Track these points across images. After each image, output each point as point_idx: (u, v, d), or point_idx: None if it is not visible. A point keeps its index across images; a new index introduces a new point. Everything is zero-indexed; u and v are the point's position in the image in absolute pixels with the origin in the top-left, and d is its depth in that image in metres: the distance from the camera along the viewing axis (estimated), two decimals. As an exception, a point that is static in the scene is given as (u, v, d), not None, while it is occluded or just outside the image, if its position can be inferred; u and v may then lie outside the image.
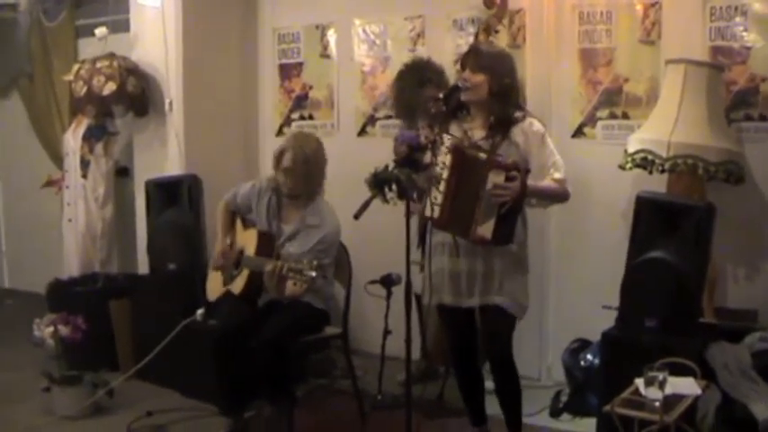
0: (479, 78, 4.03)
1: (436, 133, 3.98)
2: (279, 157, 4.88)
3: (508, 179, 3.79)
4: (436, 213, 3.96)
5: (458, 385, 4.46)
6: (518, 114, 4.07)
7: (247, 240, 4.91)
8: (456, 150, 3.90)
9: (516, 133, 4.03)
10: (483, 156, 3.87)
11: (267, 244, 4.82)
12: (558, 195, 4.14)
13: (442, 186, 3.92)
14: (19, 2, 7.43)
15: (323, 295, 4.84)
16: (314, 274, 4.34)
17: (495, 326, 4.12)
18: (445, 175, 3.91)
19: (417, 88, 5.28)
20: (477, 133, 4.08)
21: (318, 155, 4.91)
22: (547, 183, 4.03)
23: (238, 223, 5.06)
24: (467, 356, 4.35)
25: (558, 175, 4.04)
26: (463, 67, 4.12)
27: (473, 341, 4.28)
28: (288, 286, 4.55)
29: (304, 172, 4.84)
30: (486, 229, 3.85)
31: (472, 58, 4.10)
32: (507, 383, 4.23)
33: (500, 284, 4.05)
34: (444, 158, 3.92)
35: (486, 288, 4.05)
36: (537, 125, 4.08)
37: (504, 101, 4.04)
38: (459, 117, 4.15)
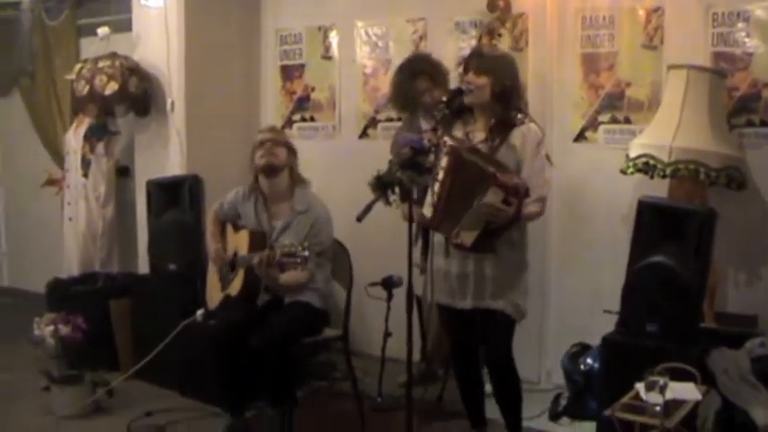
0: (482, 81, 4.04)
1: (439, 136, 3.99)
2: (252, 151, 4.99)
3: (505, 201, 3.79)
4: (429, 213, 4.01)
5: (458, 387, 4.47)
6: (519, 117, 4.08)
7: (240, 241, 4.93)
8: (453, 153, 3.91)
9: (515, 136, 4.04)
10: (491, 169, 3.86)
11: (260, 240, 4.84)
12: (536, 218, 4.14)
13: (437, 187, 3.94)
14: (21, 0, 7.42)
15: (322, 294, 4.86)
16: (307, 253, 4.37)
17: (492, 329, 4.13)
18: (441, 176, 3.92)
19: (410, 80, 5.31)
20: (478, 135, 4.09)
21: (284, 132, 5.26)
22: (531, 208, 4.00)
23: (229, 228, 5.08)
24: (466, 357, 4.35)
25: (541, 193, 4.04)
26: (466, 71, 4.12)
27: (472, 342, 4.29)
28: (288, 274, 4.60)
29: (274, 138, 4.96)
30: (467, 237, 3.88)
31: (475, 61, 4.11)
32: (506, 387, 4.24)
33: (494, 288, 4.05)
34: (443, 160, 3.94)
35: (479, 291, 4.07)
36: (535, 130, 4.08)
37: (505, 103, 4.06)
38: (463, 119, 4.15)
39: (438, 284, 4.15)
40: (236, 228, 5.04)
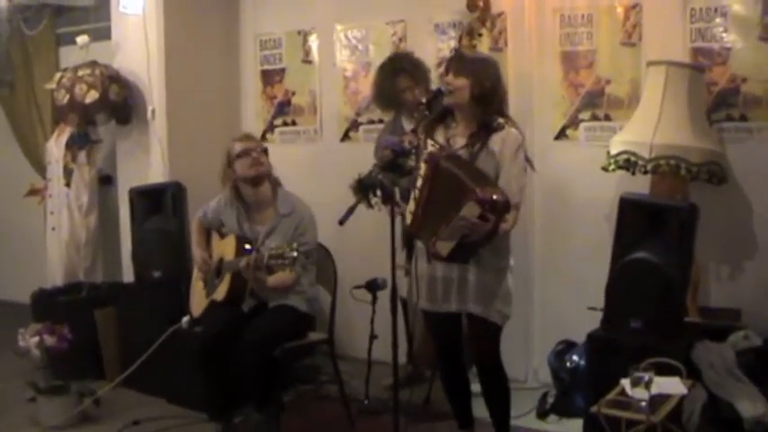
0: (461, 82, 4.02)
1: (419, 138, 3.99)
2: (228, 155, 4.96)
3: (482, 217, 3.77)
4: (408, 219, 4.01)
5: (444, 388, 4.46)
6: (500, 121, 4.05)
7: (226, 248, 4.93)
8: (432, 161, 3.91)
9: (495, 141, 3.99)
10: (470, 184, 3.77)
11: (245, 245, 4.84)
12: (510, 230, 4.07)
13: (416, 194, 3.94)
14: (-1, 10, 7.41)
15: (307, 297, 4.86)
16: (295, 254, 4.37)
17: (478, 332, 4.12)
18: (419, 183, 3.92)
19: (391, 78, 5.35)
20: (459, 141, 4.05)
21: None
22: (506, 223, 3.93)
23: (215, 235, 5.08)
24: (452, 359, 4.35)
25: (516, 200, 3.94)
26: (446, 72, 4.12)
27: (458, 345, 4.28)
28: (276, 277, 4.61)
29: (258, 147, 4.96)
30: (443, 247, 3.87)
31: (455, 63, 4.11)
32: (495, 387, 4.23)
33: (477, 294, 4.03)
34: (422, 167, 3.94)
35: (463, 295, 4.06)
36: (515, 135, 4.02)
37: (485, 105, 4.01)
38: (446, 123, 4.14)
39: (422, 289, 4.14)
40: (222, 235, 5.03)
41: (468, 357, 4.35)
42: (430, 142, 3.98)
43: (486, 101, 4.01)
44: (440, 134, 4.10)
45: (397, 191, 4.09)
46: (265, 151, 5.01)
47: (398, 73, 5.34)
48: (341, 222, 3.79)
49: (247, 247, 4.79)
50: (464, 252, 3.89)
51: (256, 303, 4.85)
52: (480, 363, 4.25)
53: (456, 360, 4.34)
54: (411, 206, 3.99)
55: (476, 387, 4.34)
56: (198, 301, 5.09)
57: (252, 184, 4.91)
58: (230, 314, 4.82)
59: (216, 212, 5.05)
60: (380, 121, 5.94)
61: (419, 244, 4.15)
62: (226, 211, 5.00)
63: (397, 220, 4.02)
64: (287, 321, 4.77)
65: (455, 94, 4.02)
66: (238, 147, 4.93)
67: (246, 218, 4.95)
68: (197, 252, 5.07)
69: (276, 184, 5.00)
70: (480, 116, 4.02)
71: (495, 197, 3.75)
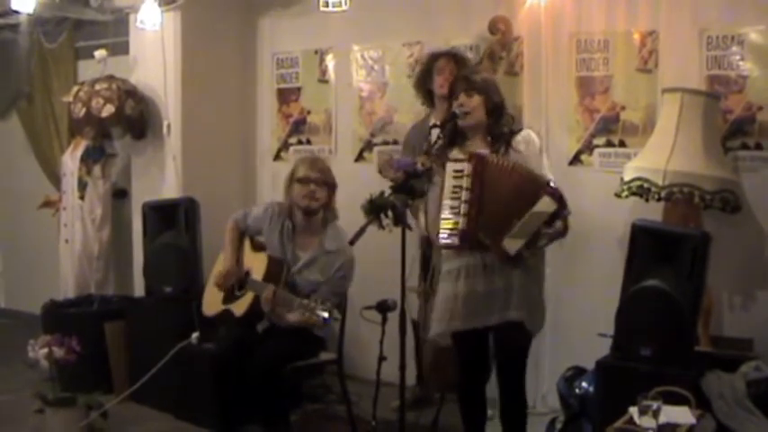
0: (475, 101, 4.06)
1: (433, 161, 3.99)
2: (291, 173, 4.90)
3: (557, 212, 3.82)
4: (462, 224, 3.91)
5: (461, 412, 4.40)
6: (515, 127, 4.13)
7: (256, 263, 4.90)
8: (478, 159, 3.92)
9: (518, 141, 4.08)
10: (541, 177, 3.92)
11: (277, 270, 4.80)
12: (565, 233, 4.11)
13: (464, 196, 3.90)
14: (19, 23, 7.45)
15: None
16: (326, 315, 4.35)
17: (513, 342, 4.10)
18: (466, 183, 3.90)
19: (433, 59, 5.34)
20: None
21: (329, 168, 4.96)
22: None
23: (247, 243, 5.05)
24: (476, 380, 4.32)
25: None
26: (455, 96, 4.12)
27: (484, 365, 4.27)
28: (296, 315, 4.56)
29: (319, 179, 4.84)
30: (512, 245, 3.86)
31: (463, 84, 4.13)
32: (515, 404, 4.21)
33: (519, 300, 4.01)
34: (461, 166, 3.93)
35: (506, 304, 4.00)
36: (535, 137, 4.15)
37: (498, 118, 4.09)
38: (457, 144, 4.15)
39: (455, 311, 4.05)
40: (255, 245, 5.01)
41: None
42: (449, 163, 3.98)
43: (499, 114, 4.08)
44: (455, 154, 4.10)
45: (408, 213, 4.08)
46: (328, 184, 4.91)
47: (443, 54, 5.33)
48: (351, 242, 3.80)
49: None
50: (529, 251, 3.90)
51: (271, 325, 4.81)
52: (507, 379, 4.20)
53: (479, 381, 4.32)
54: (461, 209, 3.91)
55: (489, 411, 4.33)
56: (212, 300, 5.05)
57: (304, 212, 4.89)
58: (244, 334, 4.80)
59: (259, 221, 5.00)
60: (395, 143, 5.94)
61: (447, 266, 4.10)
62: (271, 224, 4.95)
63: (410, 241, 4.01)
64: (299, 343, 4.75)
65: (472, 114, 4.06)
66: (301, 171, 4.87)
67: (291, 239, 4.91)
68: (229, 257, 4.99)
69: (332, 217, 4.95)
70: (494, 129, 4.07)
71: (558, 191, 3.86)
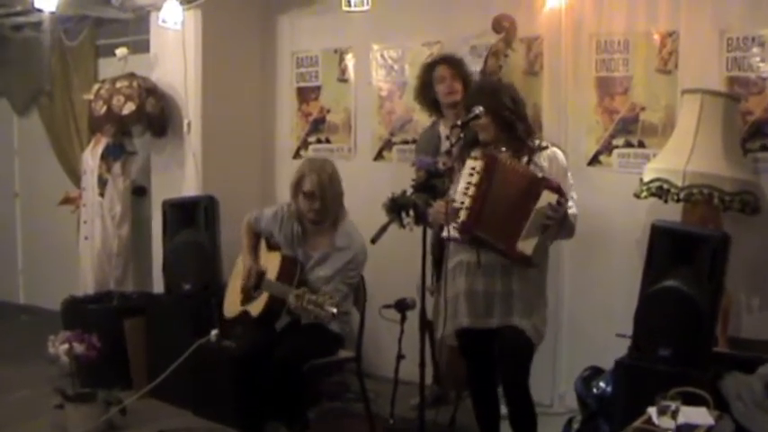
0: (483, 121, 4.08)
1: (454, 160, 4.01)
2: (297, 183, 4.88)
3: (558, 202, 3.85)
4: (463, 216, 3.95)
5: (474, 409, 4.45)
6: (543, 144, 4.13)
7: (270, 263, 4.93)
8: (489, 157, 3.95)
9: (542, 158, 4.10)
10: (537, 173, 3.95)
11: (290, 270, 4.82)
12: (571, 232, 4.19)
13: (470, 191, 3.93)
14: (41, 21, 7.49)
15: (340, 318, 4.84)
16: (334, 310, 4.37)
17: (514, 348, 4.12)
18: (475, 179, 3.92)
19: (430, 68, 5.38)
20: None
21: (335, 178, 4.93)
22: (572, 210, 4.07)
23: (263, 243, 5.08)
24: (485, 380, 4.34)
25: (573, 210, 4.08)
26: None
27: (491, 364, 4.28)
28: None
29: (326, 195, 4.83)
30: (528, 246, 3.89)
31: (471, 100, 4.17)
32: (522, 411, 4.23)
33: (521, 307, 4.05)
34: (474, 163, 3.95)
35: (507, 309, 4.06)
36: (561, 156, 4.18)
37: (511, 132, 4.10)
38: (481, 144, 4.17)
39: (459, 308, 4.13)
40: (270, 245, 5.03)
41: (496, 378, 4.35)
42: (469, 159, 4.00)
43: (512, 127, 4.09)
44: (475, 154, 4.13)
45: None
46: (336, 195, 4.89)
47: (438, 63, 5.36)
48: (373, 241, 3.83)
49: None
50: (544, 248, 3.96)
51: (290, 321, 4.85)
52: (509, 381, 4.23)
53: (488, 380, 4.33)
54: (465, 203, 3.95)
55: (503, 409, 4.33)
56: (233, 300, 5.08)
57: (310, 221, 4.92)
58: (263, 333, 4.83)
59: (270, 225, 5.02)
60: (414, 141, 5.94)
61: (457, 261, 4.14)
62: (282, 227, 4.97)
63: (428, 240, 4.02)
64: (318, 341, 4.77)
65: (484, 132, 4.10)
66: (307, 184, 4.83)
67: (301, 241, 4.93)
68: (247, 258, 5.03)
69: (342, 215, 4.94)
70: (509, 143, 4.09)
71: (556, 182, 3.94)
